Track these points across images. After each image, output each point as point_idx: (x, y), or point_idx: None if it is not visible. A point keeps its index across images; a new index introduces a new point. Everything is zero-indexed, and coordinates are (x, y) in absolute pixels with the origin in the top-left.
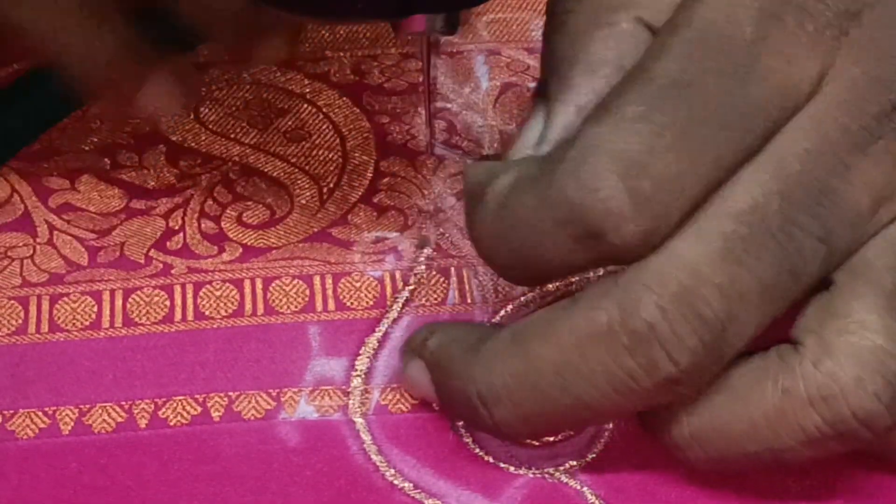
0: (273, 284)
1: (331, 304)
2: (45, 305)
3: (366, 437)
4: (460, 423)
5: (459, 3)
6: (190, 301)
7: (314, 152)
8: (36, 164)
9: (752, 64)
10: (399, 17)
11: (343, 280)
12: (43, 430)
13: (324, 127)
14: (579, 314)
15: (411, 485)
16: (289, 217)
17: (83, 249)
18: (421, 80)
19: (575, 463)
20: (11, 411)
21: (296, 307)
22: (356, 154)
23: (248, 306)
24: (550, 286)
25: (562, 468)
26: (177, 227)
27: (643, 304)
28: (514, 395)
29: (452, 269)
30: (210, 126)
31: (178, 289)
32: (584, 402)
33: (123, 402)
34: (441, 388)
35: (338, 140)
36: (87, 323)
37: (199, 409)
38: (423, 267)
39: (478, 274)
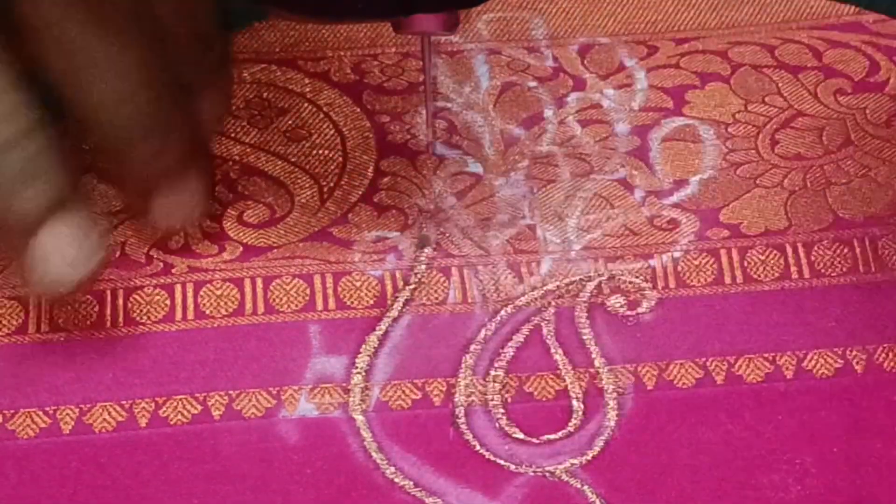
0: (273, 283)
1: (331, 303)
2: (46, 305)
3: (366, 434)
4: (461, 416)
5: (459, 3)
6: (190, 300)
7: (314, 151)
8: None
9: None
10: (399, 16)
11: (343, 279)
12: (43, 429)
13: (324, 126)
14: None
15: (411, 483)
16: (289, 216)
17: None
18: (421, 79)
19: (576, 461)
20: (12, 411)
21: (296, 306)
22: (356, 153)
23: (249, 305)
24: (551, 286)
25: (562, 466)
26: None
27: None
28: None
29: (453, 268)
30: None
31: (178, 288)
32: None
33: (124, 402)
34: None
35: (338, 139)
36: (88, 322)
37: (200, 407)
38: (424, 266)
39: (478, 273)
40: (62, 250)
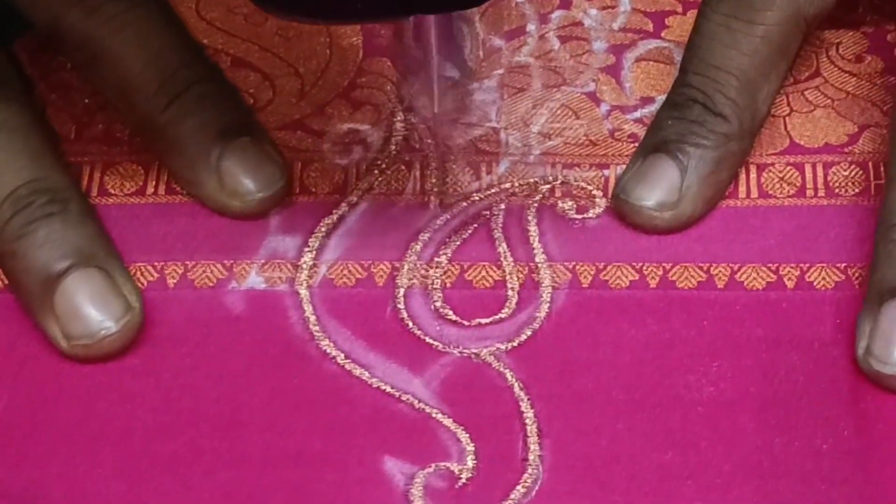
0: None
1: (295, 187)
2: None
3: (307, 307)
4: (401, 297)
5: (459, 3)
6: (163, 177)
7: (303, 48)
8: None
9: None
10: (399, 17)
11: (310, 166)
12: (6, 284)
13: (316, 27)
14: None
15: (342, 355)
16: (269, 106)
17: (73, 125)
18: None
19: (501, 346)
20: None
21: None
22: (343, 52)
23: None
24: (506, 185)
25: (487, 349)
26: None
27: None
28: None
29: (417, 162)
30: (208, 20)
31: (154, 165)
32: None
33: None
34: None
35: (327, 38)
36: None
37: (156, 275)
38: (390, 158)
39: (438, 168)
40: (86, 300)
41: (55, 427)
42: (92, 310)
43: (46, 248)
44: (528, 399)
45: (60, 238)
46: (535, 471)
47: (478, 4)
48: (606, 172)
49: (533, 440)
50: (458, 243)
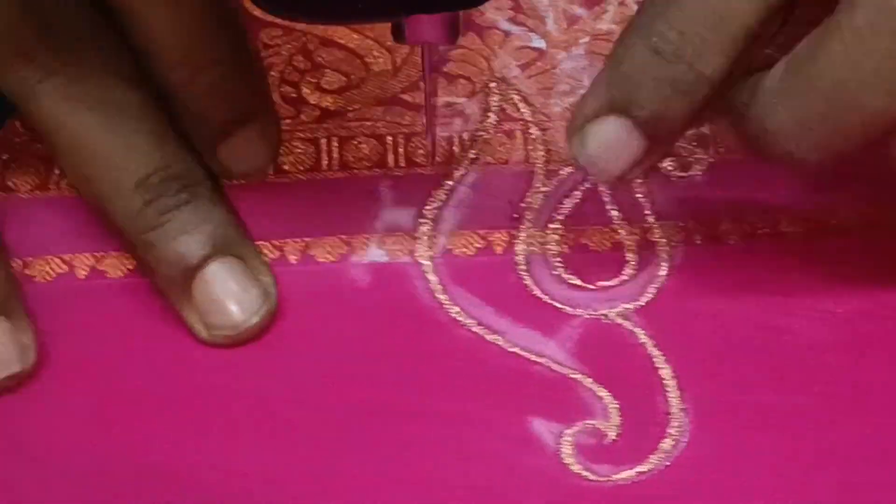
0: (348, 143)
1: (401, 161)
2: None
3: (432, 277)
4: (522, 264)
5: (460, 3)
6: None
7: (388, 26)
8: None
9: None
10: (400, 17)
11: (413, 140)
12: (60, 274)
13: None
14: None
15: (474, 321)
16: (364, 84)
17: None
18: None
19: (629, 306)
20: (31, 258)
21: (369, 163)
22: None
23: (325, 162)
24: None
25: (615, 311)
26: None
27: None
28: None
29: (517, 131)
30: None
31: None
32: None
33: None
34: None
35: None
36: None
37: (278, 253)
38: (490, 128)
39: (540, 137)
40: (227, 293)
41: (192, 403)
42: (233, 303)
43: (182, 239)
44: (663, 355)
45: (195, 228)
46: (680, 422)
47: (479, 4)
48: (705, 129)
49: (673, 394)
50: (569, 209)
